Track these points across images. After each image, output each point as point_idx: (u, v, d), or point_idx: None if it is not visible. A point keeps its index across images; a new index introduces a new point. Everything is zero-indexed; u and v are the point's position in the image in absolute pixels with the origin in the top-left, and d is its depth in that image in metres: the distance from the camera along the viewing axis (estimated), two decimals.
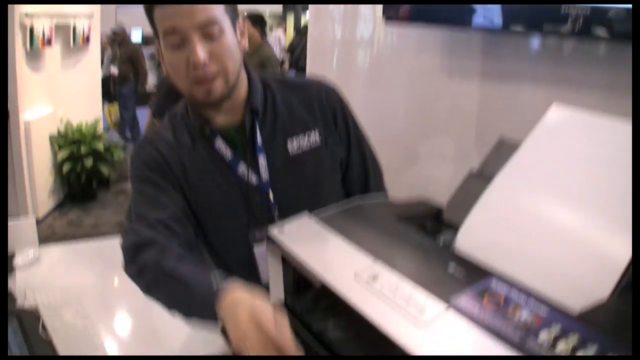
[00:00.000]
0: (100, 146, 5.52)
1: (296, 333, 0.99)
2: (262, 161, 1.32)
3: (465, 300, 0.83)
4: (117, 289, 1.64)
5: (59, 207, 5.55)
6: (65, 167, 5.35)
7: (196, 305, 1.06)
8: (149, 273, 1.14)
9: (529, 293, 0.83)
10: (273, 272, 1.11)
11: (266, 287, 1.16)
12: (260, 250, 1.34)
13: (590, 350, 0.71)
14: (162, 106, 2.65)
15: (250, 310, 0.94)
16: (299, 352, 0.92)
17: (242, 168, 1.31)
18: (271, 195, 1.32)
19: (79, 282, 1.82)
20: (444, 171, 2.28)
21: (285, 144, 1.34)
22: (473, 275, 0.88)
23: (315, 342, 1.00)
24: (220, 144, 1.31)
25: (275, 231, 1.08)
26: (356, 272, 0.92)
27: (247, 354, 0.91)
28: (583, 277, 0.85)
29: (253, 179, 1.31)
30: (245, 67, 1.35)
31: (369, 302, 0.86)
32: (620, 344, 0.71)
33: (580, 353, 0.71)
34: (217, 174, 1.32)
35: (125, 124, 7.87)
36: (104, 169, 5.58)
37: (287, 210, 1.20)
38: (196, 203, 1.32)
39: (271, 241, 1.08)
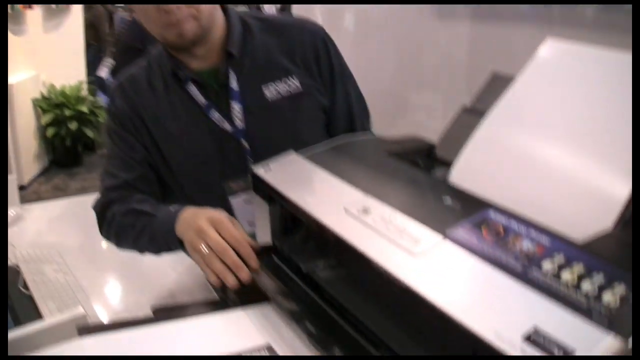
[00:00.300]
0: (84, 109, 5.40)
1: (286, 276, 0.95)
2: (237, 107, 1.26)
3: (463, 231, 0.78)
4: (101, 245, 1.58)
5: (45, 172, 5.46)
6: (50, 132, 5.24)
7: (158, 231, 1.10)
8: (114, 222, 1.20)
9: (529, 223, 0.78)
10: (259, 214, 1.05)
11: None
12: (236, 201, 1.29)
13: (597, 280, 0.66)
14: (118, 65, 2.59)
15: (207, 215, 0.98)
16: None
17: (215, 114, 1.25)
18: (245, 143, 1.26)
19: (62, 240, 1.76)
20: (436, 121, 2.22)
21: (262, 89, 1.27)
22: (469, 207, 0.83)
23: (305, 285, 0.95)
24: (193, 89, 1.25)
25: (260, 170, 1.03)
26: (346, 206, 0.86)
27: (205, 257, 0.94)
28: (584, 209, 0.80)
29: (227, 126, 1.25)
30: (224, 7, 1.28)
31: (359, 235, 0.81)
32: (627, 273, 0.66)
33: (586, 282, 0.66)
34: (190, 120, 1.26)
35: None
36: (89, 132, 5.48)
37: (263, 159, 1.14)
38: (170, 152, 1.28)
39: (257, 180, 1.02)
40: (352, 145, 1.09)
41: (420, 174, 0.97)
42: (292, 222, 1.02)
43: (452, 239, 0.76)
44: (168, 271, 1.35)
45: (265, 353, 0.82)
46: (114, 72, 2.61)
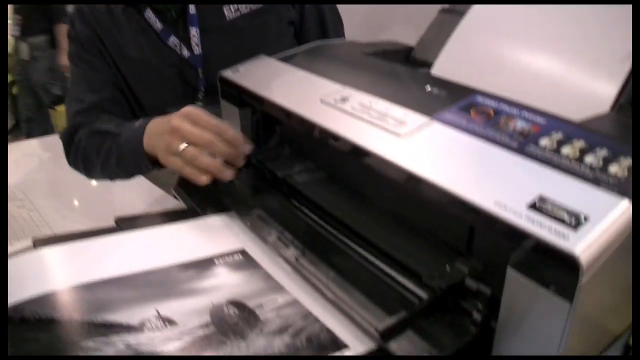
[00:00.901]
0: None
1: (259, 185, 0.87)
2: (194, 32, 1.15)
3: (450, 114, 0.70)
4: (66, 180, 1.48)
5: (11, 131, 5.19)
6: (15, 90, 4.93)
7: (125, 151, 0.99)
8: (80, 148, 1.11)
9: (521, 106, 0.71)
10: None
11: None
12: None
13: (600, 153, 0.59)
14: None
15: (178, 114, 0.86)
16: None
17: (172, 40, 1.15)
18: (200, 71, 1.17)
19: (25, 178, 1.65)
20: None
21: (223, 9, 1.16)
22: (454, 94, 0.75)
23: (281, 192, 0.87)
24: (151, 15, 1.14)
25: (228, 72, 0.93)
26: (322, 97, 0.78)
27: (188, 155, 0.82)
28: (580, 91, 0.74)
29: (185, 52, 1.15)
30: None
31: (338, 121, 0.73)
32: (630, 148, 0.60)
33: (589, 157, 0.59)
34: (149, 47, 1.16)
35: None
36: (56, 90, 5.17)
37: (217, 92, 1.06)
38: (132, 78, 1.18)
39: (225, 84, 0.93)
40: (327, 47, 1.01)
41: (400, 67, 0.89)
42: (265, 126, 0.93)
43: (439, 120, 0.69)
44: (137, 204, 1.25)
45: (240, 257, 0.74)
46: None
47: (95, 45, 1.17)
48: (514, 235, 0.53)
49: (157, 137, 0.90)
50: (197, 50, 1.16)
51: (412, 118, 0.70)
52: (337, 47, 1.01)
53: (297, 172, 0.87)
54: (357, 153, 0.68)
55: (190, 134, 0.83)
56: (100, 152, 1.06)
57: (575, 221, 0.52)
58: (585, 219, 0.52)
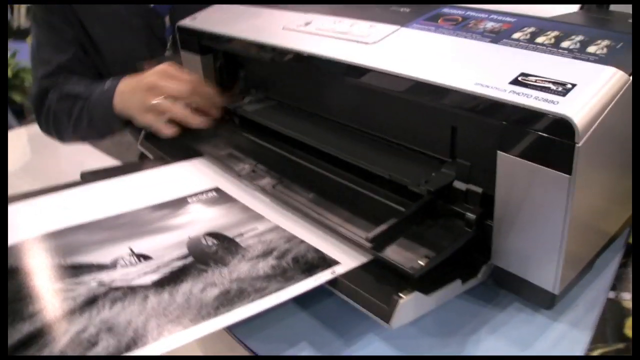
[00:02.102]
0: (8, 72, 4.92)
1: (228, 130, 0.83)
2: None
3: (417, 24, 0.68)
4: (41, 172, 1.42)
5: None
6: None
7: (95, 113, 0.98)
8: (50, 112, 1.08)
9: (489, 10, 0.68)
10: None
11: None
12: None
13: (576, 38, 0.57)
14: None
15: (153, 71, 0.87)
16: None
17: None
18: (167, 20, 1.12)
19: None
20: None
21: None
22: (420, 9, 0.72)
23: (251, 134, 0.83)
24: None
25: (186, 21, 0.89)
26: (285, 25, 0.74)
27: (163, 107, 0.84)
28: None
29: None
30: None
31: (304, 42, 0.69)
32: (609, 31, 0.57)
33: (565, 42, 0.57)
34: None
35: None
36: (16, 97, 4.99)
37: None
38: (98, 33, 1.12)
39: (184, 32, 0.89)
40: None
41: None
42: (228, 71, 0.89)
43: (407, 28, 0.66)
44: None
45: (214, 194, 0.70)
46: None
47: (58, 6, 1.11)
48: (499, 112, 0.50)
49: (130, 95, 0.90)
50: None
51: (379, 28, 0.67)
52: None
53: (264, 108, 0.84)
54: (327, 67, 0.65)
55: (167, 88, 0.83)
56: (71, 116, 1.03)
57: (563, 88, 0.49)
58: (573, 85, 0.49)
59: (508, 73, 0.53)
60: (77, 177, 0.75)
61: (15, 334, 0.48)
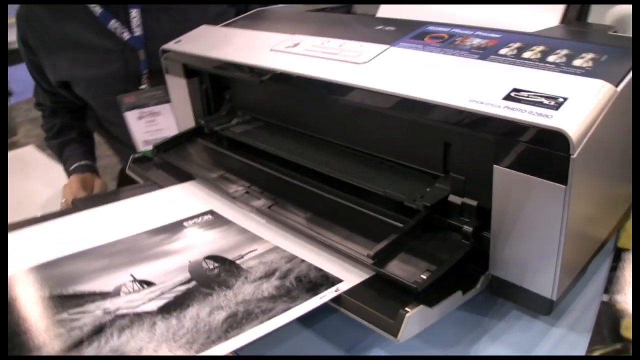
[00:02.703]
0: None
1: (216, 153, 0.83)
2: (135, 13, 1.11)
3: (404, 42, 0.69)
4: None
5: None
6: None
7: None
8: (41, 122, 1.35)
9: (474, 27, 0.70)
10: (177, 98, 0.92)
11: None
12: (129, 115, 1.16)
13: (562, 53, 0.59)
14: None
15: (80, 178, 1.20)
16: None
17: (112, 23, 1.11)
18: (141, 53, 1.13)
19: None
20: None
21: None
22: (405, 28, 0.74)
23: (241, 155, 0.84)
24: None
25: (170, 45, 0.89)
26: (273, 47, 0.75)
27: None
28: (528, 14, 0.74)
29: (125, 34, 1.11)
30: None
31: (293, 63, 0.70)
32: (593, 45, 0.60)
33: (551, 57, 0.59)
34: (90, 34, 1.12)
35: None
36: None
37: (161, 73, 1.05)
38: (74, 71, 1.15)
39: (168, 57, 0.89)
40: (266, 10, 0.98)
41: (345, 15, 0.87)
42: (215, 93, 0.90)
43: (396, 47, 0.68)
44: None
45: (210, 217, 0.71)
46: None
47: (37, 45, 1.16)
48: (494, 128, 0.52)
49: (67, 186, 1.22)
50: (137, 31, 1.12)
51: (368, 48, 0.68)
52: (278, 9, 0.99)
53: (252, 130, 0.84)
54: (320, 87, 0.66)
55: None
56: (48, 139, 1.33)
57: (555, 102, 0.51)
58: (564, 99, 0.51)
59: (500, 89, 0.54)
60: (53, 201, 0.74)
61: None
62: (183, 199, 0.76)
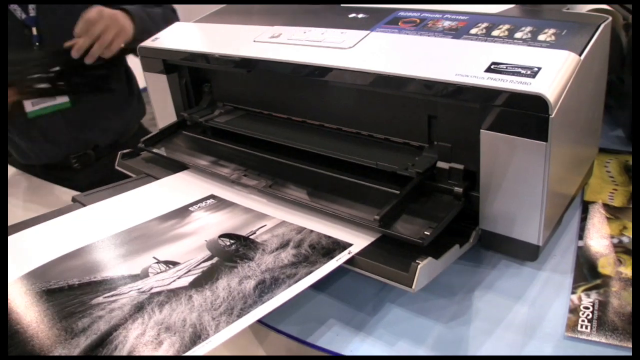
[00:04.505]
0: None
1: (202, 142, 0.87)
2: None
3: (381, 28, 0.76)
4: None
5: None
6: None
7: None
8: None
9: (441, 11, 0.77)
10: (156, 94, 0.95)
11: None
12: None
13: (527, 30, 0.67)
14: None
15: None
16: None
17: (12, 6, 1.20)
18: (34, 30, 1.22)
19: None
20: None
21: None
22: (377, 15, 0.80)
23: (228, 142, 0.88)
24: None
25: (147, 42, 0.92)
26: (255, 38, 0.80)
27: None
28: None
29: (22, 15, 1.21)
30: None
31: (281, 52, 0.75)
32: (554, 22, 0.68)
33: (517, 34, 0.67)
34: None
35: None
36: None
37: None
38: None
39: (147, 53, 0.92)
40: (234, 7, 1.02)
41: (312, 5, 0.93)
42: (194, 87, 0.93)
43: (375, 31, 0.74)
44: None
45: (213, 201, 0.75)
46: None
47: None
48: (480, 97, 0.59)
49: None
50: (32, 12, 1.21)
51: (350, 34, 0.74)
52: (244, 6, 1.03)
53: (235, 119, 0.89)
54: (311, 73, 0.71)
55: None
56: None
57: (531, 72, 0.58)
58: (539, 69, 0.59)
59: (480, 63, 0.61)
60: None
61: (74, 349, 0.51)
62: (181, 187, 0.80)
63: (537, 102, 0.56)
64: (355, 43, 0.71)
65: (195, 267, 0.61)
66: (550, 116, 0.56)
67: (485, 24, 0.70)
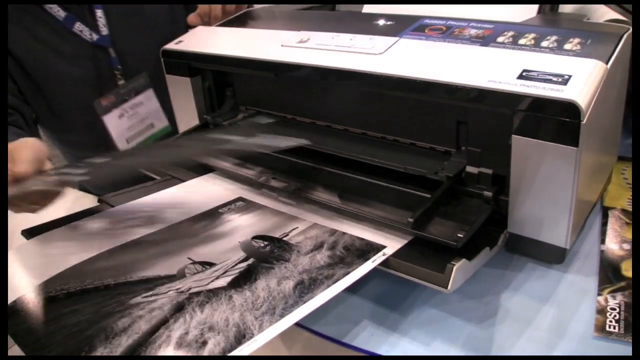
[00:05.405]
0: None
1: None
2: (100, 13, 1.14)
3: (409, 34, 0.77)
4: None
5: None
6: None
7: None
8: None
9: (467, 19, 0.79)
10: (178, 97, 0.96)
11: None
12: (110, 118, 1.16)
13: (552, 39, 0.69)
14: None
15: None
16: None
17: (77, 26, 1.12)
18: (112, 52, 1.15)
19: None
20: None
21: None
22: (402, 22, 0.82)
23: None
24: (50, 5, 1.11)
25: (171, 45, 0.94)
26: (282, 43, 0.81)
27: None
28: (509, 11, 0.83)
29: (92, 36, 1.13)
30: None
31: (306, 56, 0.77)
32: (577, 31, 0.69)
33: (544, 43, 0.68)
34: (53, 38, 1.12)
35: None
36: None
37: (134, 66, 1.13)
38: (41, 76, 1.14)
39: (170, 56, 0.93)
40: (256, 11, 1.03)
41: (336, 12, 0.94)
42: (217, 91, 0.95)
43: (404, 38, 0.75)
44: None
45: (242, 203, 0.76)
46: None
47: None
48: (512, 103, 0.60)
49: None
50: (104, 31, 1.14)
51: (379, 41, 0.75)
52: (266, 9, 1.05)
53: (262, 122, 0.90)
54: (342, 78, 0.72)
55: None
56: None
57: (562, 79, 0.60)
58: (569, 76, 0.60)
59: (511, 70, 0.63)
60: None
61: (116, 348, 0.52)
62: (209, 189, 0.81)
63: (570, 109, 0.57)
64: (386, 49, 0.73)
65: (232, 267, 0.62)
66: (582, 122, 0.57)
67: (511, 32, 0.72)
